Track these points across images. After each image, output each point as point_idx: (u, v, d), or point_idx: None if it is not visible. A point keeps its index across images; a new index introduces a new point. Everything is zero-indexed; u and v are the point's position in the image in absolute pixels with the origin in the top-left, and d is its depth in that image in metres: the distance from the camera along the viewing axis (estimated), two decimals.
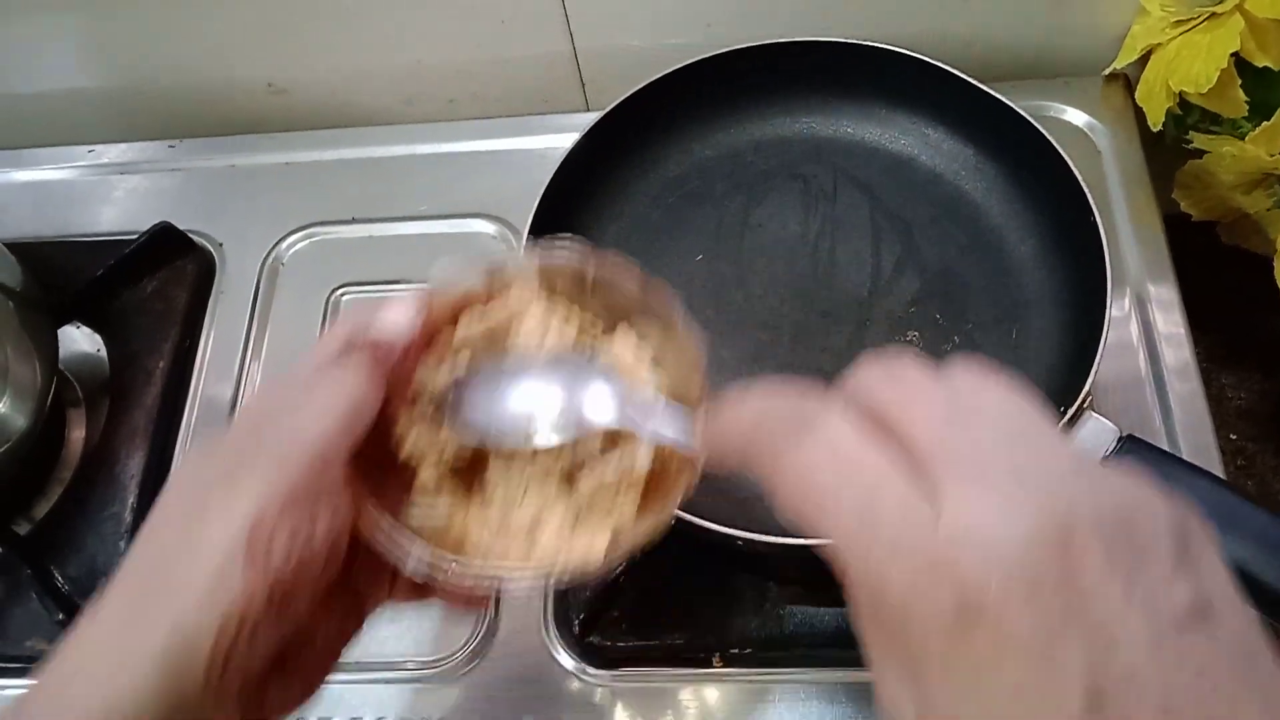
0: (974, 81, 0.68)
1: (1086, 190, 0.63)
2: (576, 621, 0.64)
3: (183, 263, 0.83)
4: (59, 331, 0.76)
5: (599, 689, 0.64)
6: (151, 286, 0.82)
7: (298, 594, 0.36)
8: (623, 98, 0.72)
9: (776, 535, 0.56)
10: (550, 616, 0.66)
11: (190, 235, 0.84)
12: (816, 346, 0.68)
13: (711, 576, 0.66)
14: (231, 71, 0.88)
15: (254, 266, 0.83)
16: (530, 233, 0.66)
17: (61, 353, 0.75)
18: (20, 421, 0.69)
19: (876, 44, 0.70)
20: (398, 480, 0.42)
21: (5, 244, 0.75)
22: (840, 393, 0.32)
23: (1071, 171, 0.64)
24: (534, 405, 0.42)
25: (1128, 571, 0.26)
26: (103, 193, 0.89)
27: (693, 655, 0.64)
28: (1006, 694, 0.26)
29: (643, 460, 0.42)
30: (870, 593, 0.29)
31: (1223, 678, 0.26)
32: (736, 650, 0.64)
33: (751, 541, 0.56)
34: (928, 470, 0.28)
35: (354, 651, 0.65)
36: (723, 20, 0.80)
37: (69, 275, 0.80)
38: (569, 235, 0.42)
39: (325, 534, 0.37)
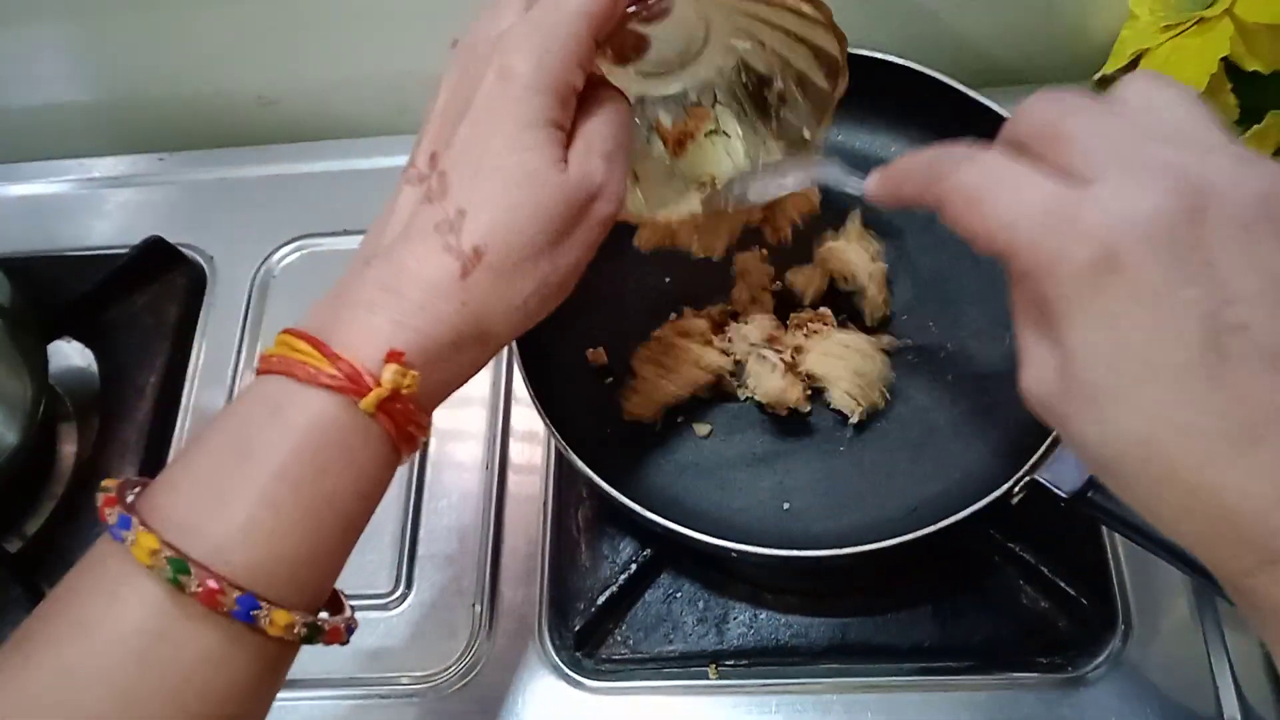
0: (963, 88, 0.68)
1: None
2: (571, 634, 0.64)
3: (173, 276, 0.83)
4: (49, 346, 0.76)
5: (594, 702, 0.63)
6: (142, 300, 0.82)
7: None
8: None
9: (770, 547, 0.56)
10: (545, 629, 0.66)
11: (181, 248, 0.83)
12: None
13: (706, 588, 0.65)
14: (221, 84, 0.88)
15: (245, 279, 0.82)
16: None
17: (52, 367, 0.74)
18: (10, 437, 0.69)
19: (866, 51, 0.70)
20: None
21: None
22: (1004, 130, 0.37)
23: None
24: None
25: (1255, 241, 0.32)
26: (93, 206, 0.89)
27: (688, 666, 0.64)
28: (1139, 338, 0.32)
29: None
30: (1021, 268, 0.34)
31: None
32: (732, 662, 0.63)
33: (745, 553, 0.56)
34: (1081, 169, 0.33)
35: (347, 667, 0.65)
36: None
37: (59, 289, 0.80)
38: None
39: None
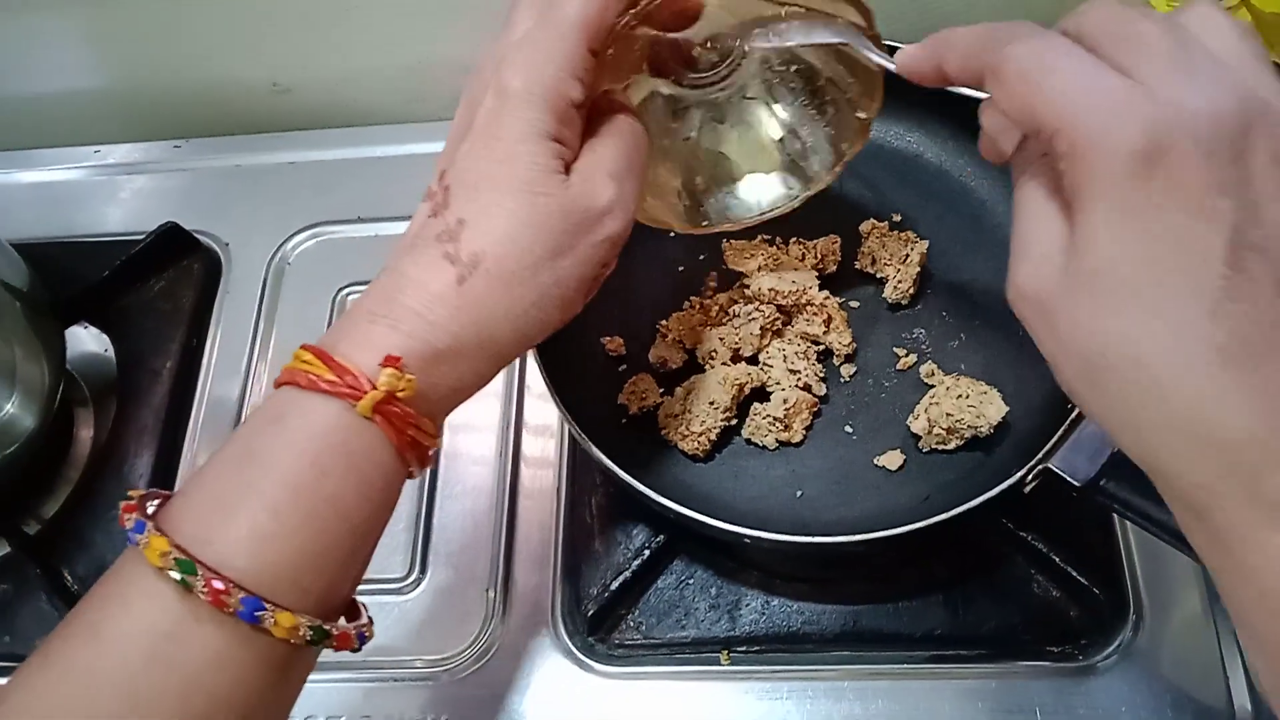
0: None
1: None
2: (584, 620, 0.64)
3: (189, 263, 0.83)
4: (66, 332, 0.76)
5: (606, 686, 0.64)
6: (158, 286, 0.82)
7: None
8: None
9: (783, 534, 0.56)
10: (558, 615, 0.66)
11: (196, 235, 0.84)
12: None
13: (719, 575, 0.66)
14: (236, 71, 0.88)
15: (260, 266, 0.83)
16: None
17: (69, 353, 0.75)
18: (28, 422, 0.69)
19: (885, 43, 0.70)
20: None
21: (12, 245, 0.75)
22: (1064, 22, 0.37)
23: None
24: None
25: None
26: (108, 193, 0.90)
27: (700, 652, 0.64)
28: (1165, 236, 0.32)
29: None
30: (1064, 146, 0.34)
31: None
32: (744, 648, 0.64)
33: (759, 539, 0.56)
34: (1141, 69, 0.33)
35: (362, 650, 0.65)
36: None
37: (76, 276, 0.80)
38: None
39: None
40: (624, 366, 0.68)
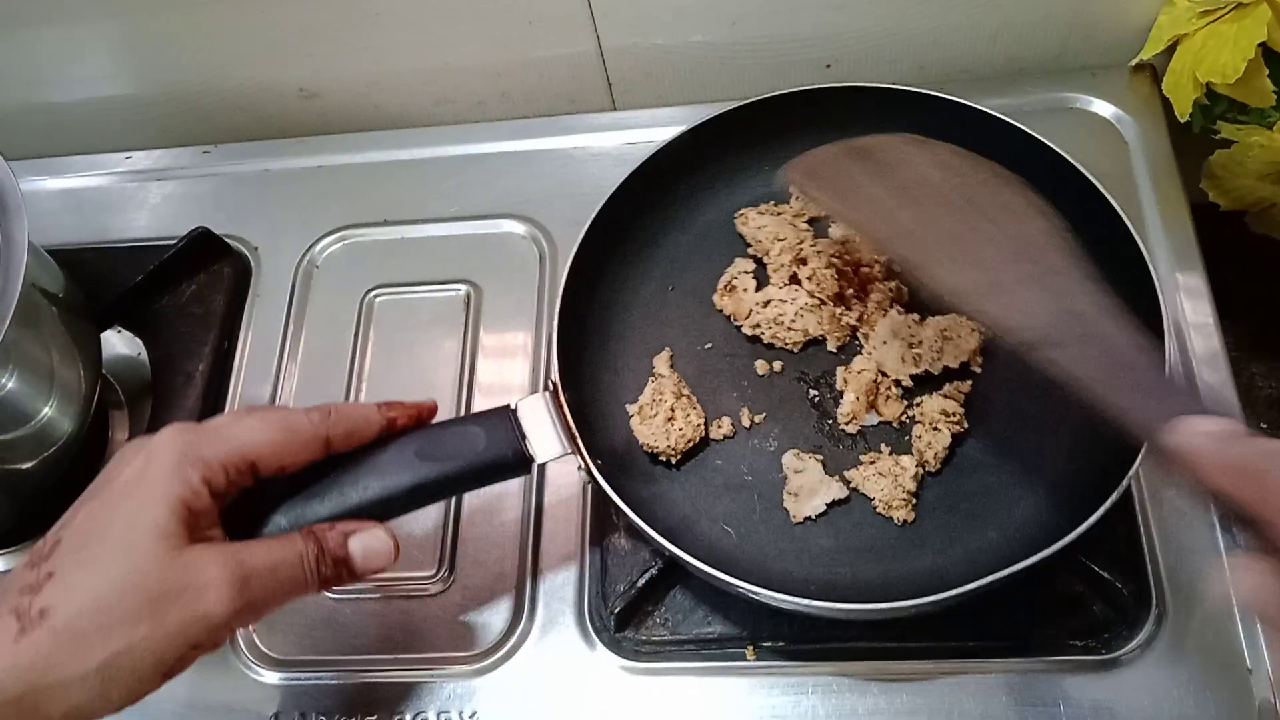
0: (991, 111, 0.68)
1: (1114, 203, 0.64)
2: (611, 615, 0.65)
3: (219, 267, 0.84)
4: (101, 336, 0.77)
5: (633, 682, 0.65)
6: (190, 290, 0.83)
7: None
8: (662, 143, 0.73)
9: (826, 600, 0.58)
10: (585, 611, 0.67)
11: (226, 240, 0.85)
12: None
13: None
14: (263, 77, 0.90)
15: (289, 269, 0.84)
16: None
17: (103, 357, 0.76)
18: (66, 425, 0.70)
19: (896, 86, 0.70)
20: None
21: (46, 250, 0.76)
22: None
23: (1095, 187, 0.65)
24: None
25: None
26: (139, 198, 0.91)
27: (726, 648, 0.65)
28: None
29: None
30: None
31: None
32: (769, 643, 0.64)
33: (811, 609, 0.58)
34: None
35: (392, 647, 0.67)
36: (747, 17, 0.81)
37: (109, 280, 0.82)
38: None
39: None
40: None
